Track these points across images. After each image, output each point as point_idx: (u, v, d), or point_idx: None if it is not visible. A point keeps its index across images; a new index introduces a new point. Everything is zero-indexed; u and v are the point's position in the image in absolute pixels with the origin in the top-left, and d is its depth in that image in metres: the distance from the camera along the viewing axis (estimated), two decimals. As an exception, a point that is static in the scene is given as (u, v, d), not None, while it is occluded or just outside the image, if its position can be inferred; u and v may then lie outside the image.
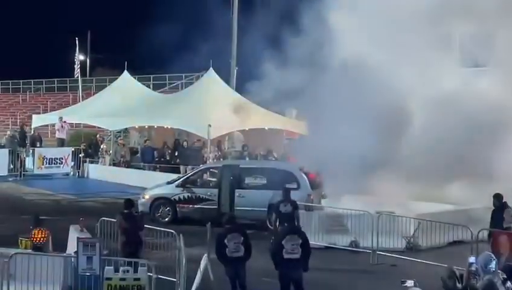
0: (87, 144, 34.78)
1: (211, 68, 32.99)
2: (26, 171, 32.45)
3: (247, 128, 31.73)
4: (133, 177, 30.22)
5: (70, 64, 47.19)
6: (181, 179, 24.10)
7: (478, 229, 17.76)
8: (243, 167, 23.88)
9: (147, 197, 23.75)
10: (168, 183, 24.23)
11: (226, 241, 14.37)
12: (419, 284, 11.24)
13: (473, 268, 10.27)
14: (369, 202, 20.77)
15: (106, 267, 13.91)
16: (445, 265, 15.61)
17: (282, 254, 14.10)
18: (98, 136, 36.01)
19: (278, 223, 18.67)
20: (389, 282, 16.20)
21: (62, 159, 33.00)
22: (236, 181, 23.10)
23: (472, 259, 10.77)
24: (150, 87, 41.20)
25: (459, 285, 10.97)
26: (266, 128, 32.07)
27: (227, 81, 34.78)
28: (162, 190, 23.98)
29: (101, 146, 34.42)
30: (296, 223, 18.25)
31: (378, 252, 19.03)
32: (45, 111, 48.03)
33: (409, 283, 11.03)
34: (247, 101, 31.87)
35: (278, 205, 19.08)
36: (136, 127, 34.83)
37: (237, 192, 22.82)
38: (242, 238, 14.43)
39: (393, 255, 19.11)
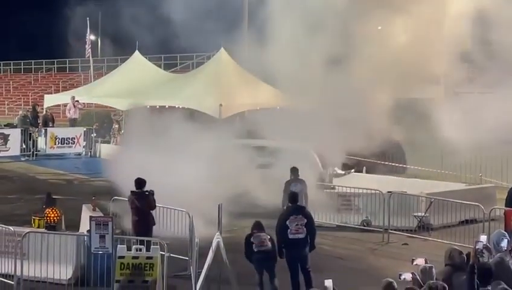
0: (99, 124, 34.85)
1: (222, 48, 32.89)
2: (39, 151, 32.58)
3: (258, 108, 31.67)
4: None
5: (81, 44, 47.13)
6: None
7: (490, 208, 17.74)
8: (255, 146, 23.84)
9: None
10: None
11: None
12: (430, 263, 11.26)
13: (480, 246, 10.25)
14: (380, 181, 20.79)
15: (119, 246, 14.00)
16: (458, 243, 15.71)
17: (287, 234, 14.10)
18: (112, 115, 36.05)
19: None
20: (401, 261, 16.23)
21: (74, 139, 33.10)
22: (249, 160, 23.03)
23: (482, 237, 10.75)
24: (161, 67, 41.15)
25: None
26: (278, 107, 31.98)
27: (238, 60, 34.66)
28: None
29: (113, 126, 34.47)
30: (304, 201, 18.19)
31: (389, 231, 19.06)
32: (57, 91, 48.13)
33: (420, 261, 11.04)
34: (259, 80, 31.78)
35: (289, 185, 18.96)
36: (148, 107, 34.83)
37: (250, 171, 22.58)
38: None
39: (404, 233, 19.14)
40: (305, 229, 14.18)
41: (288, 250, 14.21)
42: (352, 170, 24.59)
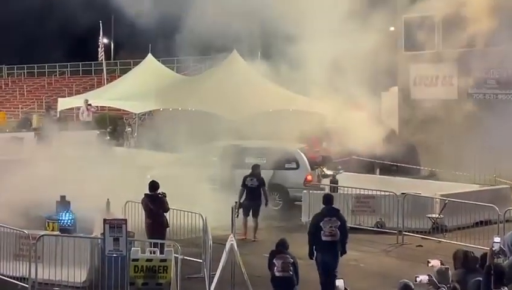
0: (113, 127, 34.88)
1: (235, 50, 32.88)
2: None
3: (270, 110, 31.66)
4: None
5: (94, 47, 47.29)
6: (182, 159, 24.22)
7: (505, 209, 17.65)
8: (244, 147, 23.90)
9: (148, 176, 23.85)
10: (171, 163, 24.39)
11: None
12: (446, 265, 11.21)
13: (496, 248, 10.20)
14: (394, 182, 20.76)
15: (132, 249, 14.00)
16: (472, 245, 15.64)
17: (321, 236, 13.94)
18: (124, 118, 36.11)
19: (244, 197, 19.51)
20: (415, 262, 16.19)
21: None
22: (237, 161, 23.11)
23: (497, 239, 10.69)
24: (174, 70, 41.19)
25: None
26: (290, 109, 31.96)
27: (251, 63, 34.64)
28: (164, 169, 24.00)
29: (126, 129, 34.51)
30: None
31: (404, 233, 18.99)
32: (70, 94, 48.24)
33: (435, 262, 10.99)
34: (271, 83, 31.76)
35: (245, 179, 19.72)
36: (161, 109, 34.87)
37: (238, 172, 22.47)
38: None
39: (419, 235, 19.07)
40: (338, 231, 14.01)
41: (320, 252, 14.02)
42: (341, 171, 24.66)
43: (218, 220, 17.14)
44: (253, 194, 19.63)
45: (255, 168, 20.17)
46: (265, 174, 21.08)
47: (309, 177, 22.66)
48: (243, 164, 22.47)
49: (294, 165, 22.91)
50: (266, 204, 19.74)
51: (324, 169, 24.27)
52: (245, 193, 19.70)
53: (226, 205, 18.29)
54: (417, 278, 10.13)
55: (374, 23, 23.75)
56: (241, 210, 19.25)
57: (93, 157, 22.71)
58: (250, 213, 19.56)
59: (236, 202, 19.26)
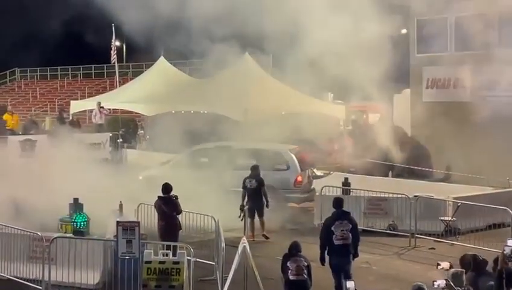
0: (125, 129, 34.98)
1: (247, 53, 32.91)
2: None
3: (283, 112, 31.67)
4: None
5: (107, 50, 47.40)
6: (174, 160, 24.27)
7: (518, 212, 17.59)
8: (234, 148, 23.92)
9: (140, 178, 23.98)
10: (163, 164, 24.42)
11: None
12: (455, 267, 11.18)
13: (508, 251, 10.16)
14: (407, 185, 20.71)
15: (145, 251, 14.03)
16: (485, 248, 15.59)
17: (332, 240, 13.90)
18: (136, 121, 36.21)
19: (246, 198, 19.63)
20: (428, 265, 16.14)
21: (100, 144, 33.21)
22: (228, 162, 23.14)
23: (510, 242, 10.65)
24: (186, 73, 41.26)
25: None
26: (303, 112, 31.93)
27: (263, 65, 34.67)
28: (155, 171, 24.09)
29: (139, 131, 34.60)
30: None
31: (416, 235, 18.94)
32: (83, 97, 48.43)
33: (445, 264, 10.98)
34: (284, 85, 31.78)
35: (245, 181, 19.88)
36: (173, 112, 34.93)
37: (228, 173, 22.47)
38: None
39: (431, 238, 19.02)
40: (350, 235, 13.97)
41: (332, 256, 13.96)
42: (332, 172, 24.70)
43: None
44: (253, 195, 19.70)
45: (254, 169, 20.21)
46: None
47: (299, 179, 22.66)
48: (233, 165, 22.48)
49: (284, 167, 22.92)
50: (267, 205, 19.75)
51: (315, 170, 24.31)
52: (246, 194, 19.77)
53: (224, 206, 18.53)
54: (435, 283, 10.11)
55: (387, 26, 23.73)
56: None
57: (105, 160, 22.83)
58: (256, 214, 19.59)
59: (241, 205, 19.31)
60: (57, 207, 18.33)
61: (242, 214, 18.90)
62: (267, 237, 19.42)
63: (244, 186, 19.85)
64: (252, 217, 19.52)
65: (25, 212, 18.00)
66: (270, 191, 21.70)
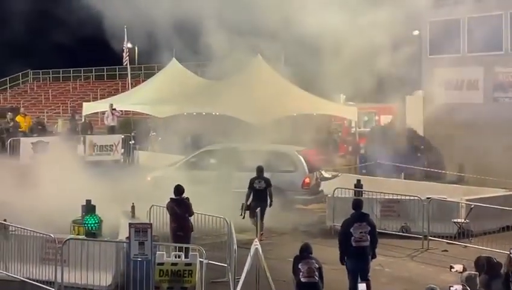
0: (137, 131, 35.05)
1: (259, 54, 32.90)
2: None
3: (295, 114, 31.64)
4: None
5: (119, 52, 47.55)
6: (182, 162, 24.26)
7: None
8: (242, 150, 23.91)
9: (148, 179, 24.03)
10: (170, 165, 24.45)
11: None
12: (469, 269, 11.13)
13: None
14: (419, 187, 20.64)
15: (158, 253, 14.04)
16: (498, 250, 15.50)
17: (351, 242, 13.86)
18: (148, 123, 36.25)
19: (250, 199, 19.72)
20: (441, 267, 16.10)
21: (112, 146, 33.28)
22: (235, 163, 23.15)
23: None
24: (197, 74, 41.29)
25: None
26: (314, 114, 31.91)
27: (274, 67, 34.67)
28: (163, 171, 24.12)
29: (151, 133, 34.64)
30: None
31: (429, 238, 18.88)
32: (95, 99, 48.55)
33: (458, 267, 10.93)
34: (295, 86, 31.75)
35: (253, 182, 19.89)
36: (185, 114, 34.97)
37: (236, 174, 22.43)
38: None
39: (444, 240, 18.95)
40: (368, 237, 13.92)
41: (350, 258, 13.91)
42: (340, 174, 24.66)
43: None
44: (260, 195, 19.74)
45: (260, 170, 20.24)
46: None
47: (307, 180, 22.63)
48: (240, 166, 22.42)
49: (291, 168, 22.90)
50: (270, 205, 19.77)
51: (323, 172, 24.26)
52: (252, 194, 19.78)
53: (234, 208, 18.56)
54: (451, 288, 10.06)
55: (399, 27, 23.68)
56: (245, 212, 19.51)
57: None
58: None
59: (243, 204, 19.39)
60: (70, 209, 18.39)
61: (243, 213, 19.02)
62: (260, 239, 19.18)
63: (251, 187, 19.85)
64: (255, 216, 19.48)
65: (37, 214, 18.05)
66: (277, 193, 21.76)
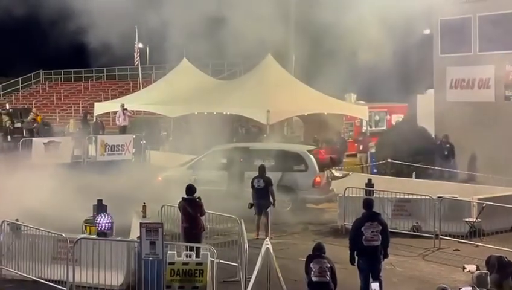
0: (148, 131, 35.12)
1: (269, 54, 32.93)
2: (89, 158, 32.89)
3: (306, 114, 31.65)
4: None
5: (130, 52, 47.68)
6: (192, 162, 24.32)
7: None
8: (252, 149, 23.90)
9: (159, 179, 24.08)
10: (182, 165, 24.55)
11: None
12: (481, 269, 11.11)
13: None
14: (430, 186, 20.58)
15: (169, 252, 14.07)
16: (510, 249, 15.47)
17: (362, 241, 13.81)
18: (160, 122, 36.34)
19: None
20: (453, 267, 16.06)
21: (124, 145, 33.32)
22: (246, 163, 23.15)
23: None
24: (208, 74, 41.37)
25: None
26: (325, 113, 31.93)
27: (285, 67, 34.69)
28: (174, 171, 24.17)
29: (162, 133, 34.72)
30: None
31: (440, 237, 18.83)
32: (106, 99, 48.71)
33: (471, 267, 10.91)
34: (306, 86, 31.77)
35: (253, 181, 19.87)
36: (196, 113, 35.04)
37: (246, 174, 22.47)
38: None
39: (456, 239, 18.90)
40: (380, 236, 13.85)
41: (361, 257, 13.85)
42: (351, 173, 24.61)
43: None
44: (260, 194, 19.66)
45: (261, 169, 20.24)
46: (274, 176, 20.96)
47: (318, 179, 22.62)
48: (251, 166, 22.37)
49: (302, 167, 22.85)
50: (274, 204, 19.73)
51: (333, 171, 24.23)
52: (254, 193, 19.82)
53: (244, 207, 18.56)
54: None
55: (410, 26, 23.64)
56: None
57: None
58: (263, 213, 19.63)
59: (250, 203, 19.39)
60: (81, 208, 18.45)
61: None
62: (257, 238, 19.10)
63: (252, 186, 19.86)
64: (260, 213, 19.48)
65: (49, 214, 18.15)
66: (288, 192, 21.78)
